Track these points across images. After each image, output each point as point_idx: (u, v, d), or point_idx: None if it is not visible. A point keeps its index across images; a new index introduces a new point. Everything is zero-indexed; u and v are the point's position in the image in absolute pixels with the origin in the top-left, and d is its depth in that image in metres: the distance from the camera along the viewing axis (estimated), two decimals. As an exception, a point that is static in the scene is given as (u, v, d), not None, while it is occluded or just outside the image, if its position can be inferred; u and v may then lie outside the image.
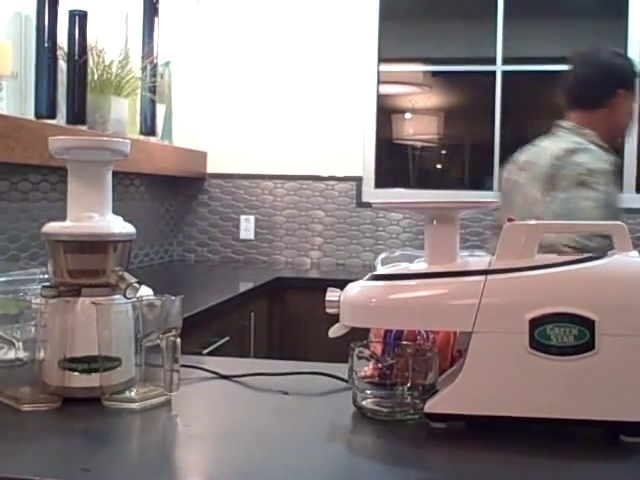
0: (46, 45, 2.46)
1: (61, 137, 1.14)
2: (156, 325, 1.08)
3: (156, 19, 3.24)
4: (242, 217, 3.86)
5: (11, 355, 1.09)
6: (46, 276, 1.18)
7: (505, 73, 3.79)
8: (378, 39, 3.82)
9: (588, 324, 0.93)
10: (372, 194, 3.78)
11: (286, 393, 1.16)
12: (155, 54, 3.19)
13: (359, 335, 1.10)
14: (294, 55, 3.79)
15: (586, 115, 2.26)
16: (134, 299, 1.08)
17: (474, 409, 0.96)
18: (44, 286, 1.11)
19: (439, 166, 4.30)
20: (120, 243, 1.13)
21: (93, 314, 1.06)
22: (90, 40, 2.64)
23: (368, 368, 1.07)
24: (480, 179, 3.88)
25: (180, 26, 3.76)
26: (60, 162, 1.15)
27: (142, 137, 3.16)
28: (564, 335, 0.93)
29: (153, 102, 3.19)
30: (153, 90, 3.16)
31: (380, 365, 1.06)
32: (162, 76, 3.41)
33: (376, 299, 1.00)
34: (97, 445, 0.93)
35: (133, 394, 1.08)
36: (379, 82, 3.86)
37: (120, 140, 1.16)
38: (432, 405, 0.98)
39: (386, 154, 3.99)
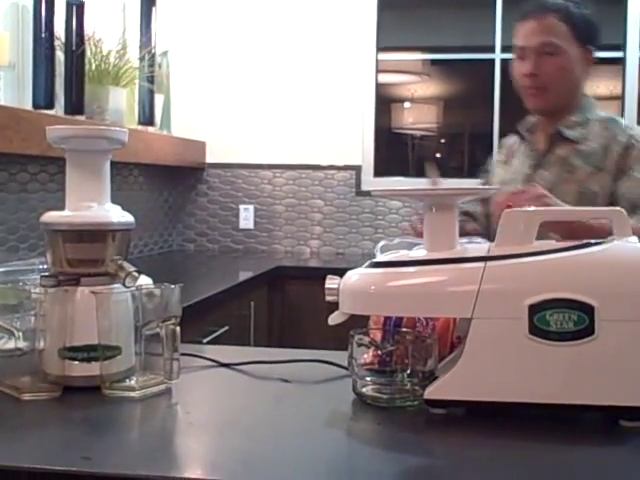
0: (43, 35, 2.45)
1: (59, 126, 1.14)
2: (155, 314, 1.08)
3: (153, 8, 3.23)
4: (241, 206, 3.85)
5: (11, 345, 1.10)
6: (45, 266, 1.18)
7: (504, 61, 3.77)
8: (377, 28, 3.80)
9: (587, 310, 0.93)
10: (371, 183, 3.77)
11: (286, 381, 1.16)
12: (153, 44, 3.18)
13: (359, 322, 1.10)
14: (292, 44, 3.78)
15: None
16: (133, 288, 1.08)
17: (474, 395, 0.97)
18: (43, 276, 1.11)
19: (438, 155, 4.29)
20: (119, 232, 1.13)
21: (92, 303, 1.06)
22: (87, 30, 2.63)
23: (368, 355, 1.07)
24: (479, 167, 3.87)
25: (178, 15, 3.74)
26: (58, 152, 1.15)
27: (140, 127, 3.15)
28: (563, 321, 0.93)
29: (151, 92, 3.18)
30: (151, 80, 3.15)
31: (380, 352, 1.06)
32: (160, 66, 3.40)
33: (375, 286, 1.00)
34: (97, 433, 0.93)
35: (133, 382, 1.08)
36: (378, 71, 3.85)
37: (118, 129, 1.16)
38: (432, 391, 0.98)
39: (385, 143, 3.98)
